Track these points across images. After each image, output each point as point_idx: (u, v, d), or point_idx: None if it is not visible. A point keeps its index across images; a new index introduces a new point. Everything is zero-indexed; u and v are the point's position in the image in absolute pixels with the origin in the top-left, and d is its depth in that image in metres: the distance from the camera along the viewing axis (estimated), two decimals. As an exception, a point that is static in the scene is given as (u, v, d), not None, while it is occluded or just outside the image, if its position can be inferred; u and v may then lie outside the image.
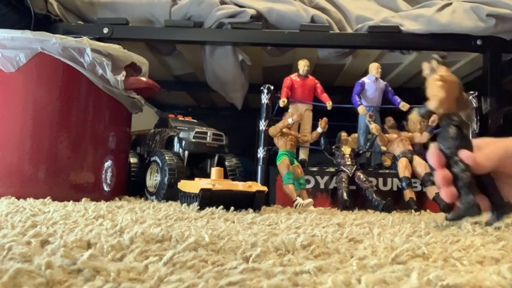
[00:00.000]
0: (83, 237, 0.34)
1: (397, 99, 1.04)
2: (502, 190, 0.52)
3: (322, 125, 0.99)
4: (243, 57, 1.25)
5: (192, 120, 1.20)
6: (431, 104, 0.57)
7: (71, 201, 0.75)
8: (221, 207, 0.69)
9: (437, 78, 0.62)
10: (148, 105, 1.84)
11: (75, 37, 0.82)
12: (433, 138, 0.91)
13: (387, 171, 1.01)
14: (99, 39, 1.00)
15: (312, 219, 0.61)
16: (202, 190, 0.69)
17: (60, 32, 1.09)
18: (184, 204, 0.75)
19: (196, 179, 0.76)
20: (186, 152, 1.04)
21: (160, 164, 0.98)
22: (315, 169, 1.01)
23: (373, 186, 0.94)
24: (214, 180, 0.73)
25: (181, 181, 0.81)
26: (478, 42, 1.09)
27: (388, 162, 1.06)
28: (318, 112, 1.08)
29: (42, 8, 1.09)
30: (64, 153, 0.81)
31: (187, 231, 0.41)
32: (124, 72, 0.86)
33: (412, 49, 1.21)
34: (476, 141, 0.53)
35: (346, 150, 1.01)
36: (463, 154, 0.51)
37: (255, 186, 0.74)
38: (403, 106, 1.00)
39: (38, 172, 0.78)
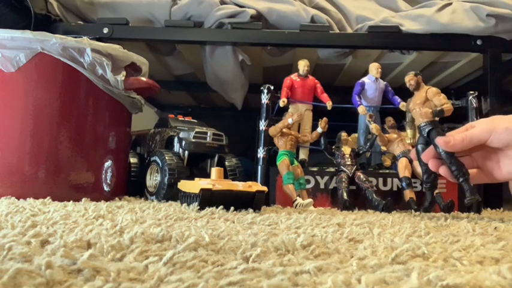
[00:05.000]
0: (83, 237, 0.34)
1: (397, 99, 1.04)
2: (502, 163, 0.62)
3: (322, 125, 0.99)
4: (243, 57, 1.25)
5: (192, 120, 1.19)
6: (449, 109, 0.76)
7: (71, 201, 0.76)
8: (221, 207, 0.69)
9: (439, 91, 0.81)
10: (148, 105, 1.84)
11: (75, 37, 0.82)
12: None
13: (387, 171, 1.01)
14: (99, 39, 1.00)
15: (312, 219, 0.61)
16: (202, 190, 0.69)
17: (60, 32, 1.09)
18: (184, 204, 0.75)
19: (196, 179, 0.76)
20: (186, 152, 1.04)
21: (160, 164, 0.98)
22: (315, 169, 1.00)
23: (373, 186, 0.94)
24: (214, 180, 0.73)
25: (181, 181, 0.81)
26: (478, 42, 1.09)
27: (388, 162, 1.06)
28: (318, 112, 1.08)
29: (42, 8, 1.09)
30: (64, 153, 0.81)
31: (187, 231, 0.41)
32: (124, 72, 0.86)
33: (412, 49, 1.21)
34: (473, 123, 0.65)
35: (346, 150, 1.01)
36: (438, 140, 0.65)
37: (255, 186, 0.74)
38: (403, 106, 1.00)
39: (38, 172, 0.78)
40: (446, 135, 0.65)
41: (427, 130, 0.74)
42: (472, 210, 0.90)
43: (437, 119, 0.76)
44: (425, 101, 0.81)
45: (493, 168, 0.63)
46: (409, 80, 0.84)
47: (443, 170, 0.67)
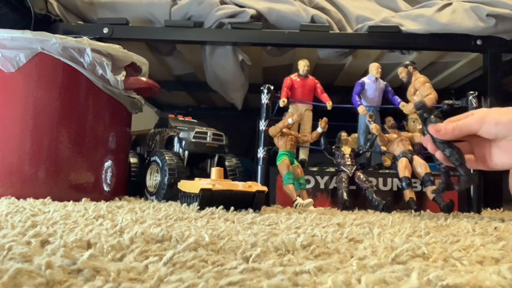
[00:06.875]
0: (83, 237, 0.34)
1: (397, 99, 1.04)
2: (493, 152, 0.62)
3: (322, 125, 0.99)
4: (243, 57, 1.25)
5: (192, 120, 1.20)
6: (430, 99, 0.75)
7: (71, 201, 0.76)
8: (221, 207, 0.69)
9: (426, 79, 0.80)
10: (148, 105, 1.84)
11: (75, 37, 0.82)
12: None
13: (387, 171, 1.01)
14: (99, 39, 1.00)
15: (312, 219, 0.61)
16: (202, 190, 0.69)
17: (60, 32, 1.09)
18: (184, 204, 0.75)
19: (196, 179, 0.76)
20: (186, 152, 1.04)
21: (160, 164, 0.98)
22: (315, 169, 1.00)
23: (373, 186, 0.94)
24: (214, 180, 0.73)
25: (181, 181, 0.81)
26: (478, 42, 1.09)
27: (388, 162, 1.06)
28: (318, 112, 1.08)
29: (42, 8, 1.09)
30: (64, 153, 0.81)
31: (187, 231, 0.41)
32: (124, 72, 0.86)
33: (412, 49, 1.21)
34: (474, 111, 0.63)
35: (346, 150, 1.01)
36: (429, 128, 0.65)
37: (255, 186, 0.74)
38: (403, 106, 1.00)
39: (38, 172, 0.78)
40: (443, 122, 0.65)
41: (423, 118, 0.74)
42: (472, 210, 0.90)
43: (445, 106, 0.76)
44: (416, 91, 0.81)
45: (485, 156, 0.64)
46: (400, 72, 0.84)
47: (439, 155, 0.67)
